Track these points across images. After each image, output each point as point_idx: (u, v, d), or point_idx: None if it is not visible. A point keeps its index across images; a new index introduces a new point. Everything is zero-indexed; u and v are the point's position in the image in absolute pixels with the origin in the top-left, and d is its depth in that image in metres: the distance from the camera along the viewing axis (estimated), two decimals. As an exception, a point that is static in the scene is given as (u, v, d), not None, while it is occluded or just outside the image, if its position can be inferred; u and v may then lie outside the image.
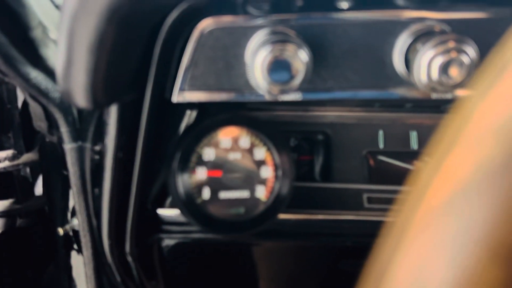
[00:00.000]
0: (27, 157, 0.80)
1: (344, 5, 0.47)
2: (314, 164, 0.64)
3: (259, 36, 0.48)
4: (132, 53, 0.47)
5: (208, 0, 0.46)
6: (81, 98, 0.44)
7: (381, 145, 0.62)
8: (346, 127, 0.62)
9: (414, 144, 0.62)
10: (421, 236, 0.13)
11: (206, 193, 0.58)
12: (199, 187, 0.58)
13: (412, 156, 0.62)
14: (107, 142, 0.52)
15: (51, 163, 0.80)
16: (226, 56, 0.49)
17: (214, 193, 0.58)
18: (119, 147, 0.52)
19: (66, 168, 0.60)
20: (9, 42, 0.52)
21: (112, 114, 0.50)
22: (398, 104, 0.61)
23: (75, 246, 0.77)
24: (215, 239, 0.62)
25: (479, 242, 0.12)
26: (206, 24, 0.48)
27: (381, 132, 0.62)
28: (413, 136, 0.62)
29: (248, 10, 0.48)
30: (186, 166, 0.57)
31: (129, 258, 0.61)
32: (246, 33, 0.48)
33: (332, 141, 0.62)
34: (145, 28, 0.46)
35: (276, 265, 0.67)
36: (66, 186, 0.76)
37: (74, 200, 0.60)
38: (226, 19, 0.48)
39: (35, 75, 0.54)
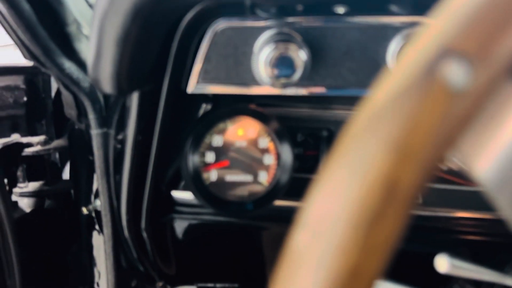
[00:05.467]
0: (57, 143, 0.86)
1: (341, 10, 0.52)
2: (319, 159, 0.69)
3: (265, 36, 0.53)
4: (152, 48, 0.53)
5: (221, 3, 0.52)
6: (107, 85, 0.50)
7: None
8: None
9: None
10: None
11: (213, 176, 0.64)
12: (208, 170, 0.64)
13: None
14: (129, 126, 0.58)
15: (78, 150, 0.85)
16: (236, 53, 0.54)
17: (221, 176, 0.64)
18: (139, 130, 0.58)
19: (92, 154, 0.65)
20: (48, 36, 0.59)
21: (134, 101, 0.56)
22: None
23: (97, 227, 0.82)
24: (224, 221, 0.67)
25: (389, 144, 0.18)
26: (219, 24, 0.54)
27: None
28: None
29: (257, 13, 0.53)
30: (196, 150, 0.62)
31: (144, 234, 0.67)
32: (254, 33, 0.53)
33: (336, 137, 0.67)
34: (164, 26, 0.52)
35: (277, 247, 0.72)
36: (91, 172, 0.80)
37: (97, 181, 0.65)
38: (237, 20, 0.53)
39: (68, 65, 0.60)
